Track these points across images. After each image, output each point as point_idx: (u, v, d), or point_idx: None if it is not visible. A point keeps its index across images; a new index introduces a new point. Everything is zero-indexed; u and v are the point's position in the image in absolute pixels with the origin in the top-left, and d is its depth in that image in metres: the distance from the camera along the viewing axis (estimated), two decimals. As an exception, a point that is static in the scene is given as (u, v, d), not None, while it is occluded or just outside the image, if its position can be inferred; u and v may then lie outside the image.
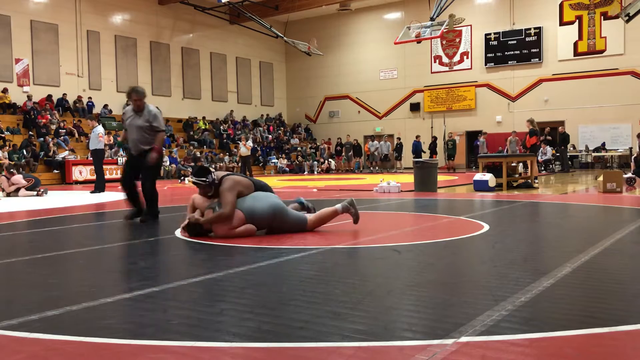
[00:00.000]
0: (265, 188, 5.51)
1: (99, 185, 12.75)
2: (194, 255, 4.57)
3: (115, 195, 11.94)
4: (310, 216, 5.39)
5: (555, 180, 15.11)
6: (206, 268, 3.89)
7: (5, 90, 20.66)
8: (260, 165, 26.76)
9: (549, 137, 22.45)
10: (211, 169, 5.44)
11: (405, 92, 28.84)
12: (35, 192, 12.26)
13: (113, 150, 20.78)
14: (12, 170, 12.66)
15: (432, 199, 9.48)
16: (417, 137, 25.74)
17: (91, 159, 13.72)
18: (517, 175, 12.53)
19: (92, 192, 12.64)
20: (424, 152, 25.58)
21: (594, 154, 23.87)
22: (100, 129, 13.02)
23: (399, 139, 27.11)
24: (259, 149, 27.11)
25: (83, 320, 2.63)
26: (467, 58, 27.14)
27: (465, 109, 27.21)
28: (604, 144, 23.79)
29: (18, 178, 12.32)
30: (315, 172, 26.27)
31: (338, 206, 5.34)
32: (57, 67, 22.31)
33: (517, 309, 2.63)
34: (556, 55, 25.02)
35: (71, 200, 11.24)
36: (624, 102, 23.39)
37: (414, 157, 22.46)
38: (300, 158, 27.52)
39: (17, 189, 12.17)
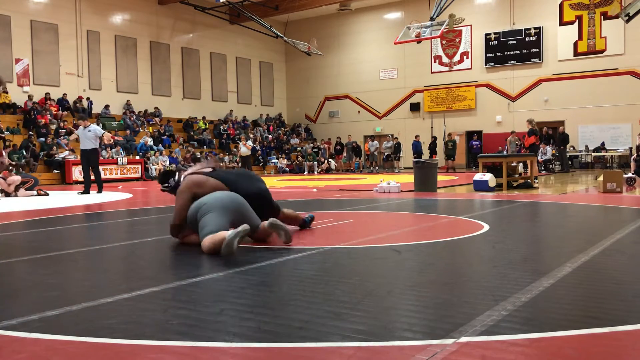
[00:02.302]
0: (243, 182, 4.90)
1: (100, 185, 12.73)
2: (194, 256, 4.56)
3: (116, 195, 11.94)
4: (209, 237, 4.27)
5: (555, 180, 15.10)
6: (206, 268, 3.88)
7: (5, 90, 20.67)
8: (260, 165, 26.77)
9: (552, 141, 22.43)
10: (181, 168, 5.16)
11: (405, 92, 28.82)
12: (35, 192, 12.31)
13: (113, 150, 20.78)
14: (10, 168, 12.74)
15: (432, 199, 9.48)
16: (417, 137, 25.76)
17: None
18: (517, 175, 12.53)
19: (97, 192, 12.61)
20: (423, 153, 25.58)
21: (593, 154, 23.86)
22: (99, 128, 12.98)
23: (396, 138, 27.12)
24: (258, 149, 27.11)
25: (83, 320, 2.63)
26: (467, 58, 27.13)
27: (465, 109, 27.20)
28: (603, 144, 23.78)
29: (13, 178, 12.39)
30: (315, 172, 26.26)
31: (224, 234, 4.12)
32: (57, 67, 22.30)
33: (517, 309, 2.63)
34: (556, 55, 25.01)
35: (71, 200, 11.23)
36: (624, 102, 23.38)
37: (414, 157, 22.45)
38: (300, 158, 27.51)
39: (17, 188, 12.20)
